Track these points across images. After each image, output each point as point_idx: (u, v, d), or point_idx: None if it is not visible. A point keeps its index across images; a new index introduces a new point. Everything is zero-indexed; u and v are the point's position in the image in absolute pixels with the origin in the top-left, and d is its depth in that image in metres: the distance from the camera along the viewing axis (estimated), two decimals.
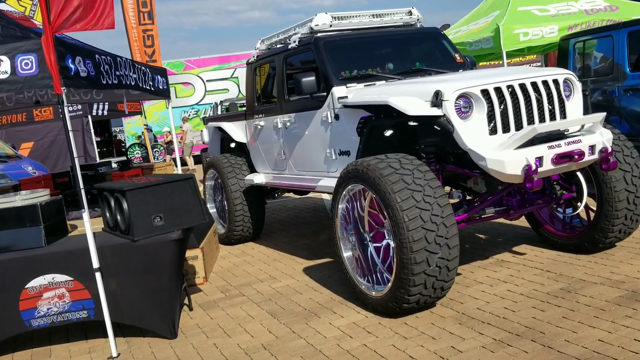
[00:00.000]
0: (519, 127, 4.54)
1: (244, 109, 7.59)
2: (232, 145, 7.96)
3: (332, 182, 5.36)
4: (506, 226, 6.70)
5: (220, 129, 7.90)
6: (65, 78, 4.01)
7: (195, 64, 22.34)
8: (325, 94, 5.56)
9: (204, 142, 8.64)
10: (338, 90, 5.41)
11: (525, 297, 4.48)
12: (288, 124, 6.27)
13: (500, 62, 9.90)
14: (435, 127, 4.63)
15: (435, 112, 4.41)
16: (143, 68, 6.26)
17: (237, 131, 7.56)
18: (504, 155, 4.25)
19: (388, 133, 5.23)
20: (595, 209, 5.17)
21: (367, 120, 5.13)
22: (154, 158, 21.74)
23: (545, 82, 4.69)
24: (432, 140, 5.02)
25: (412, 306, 4.24)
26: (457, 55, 6.22)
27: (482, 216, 5.01)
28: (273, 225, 8.54)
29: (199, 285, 5.89)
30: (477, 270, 5.27)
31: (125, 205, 4.46)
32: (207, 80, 22.33)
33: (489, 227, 6.75)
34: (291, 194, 8.90)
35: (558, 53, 8.81)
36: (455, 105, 4.40)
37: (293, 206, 10.11)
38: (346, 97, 5.29)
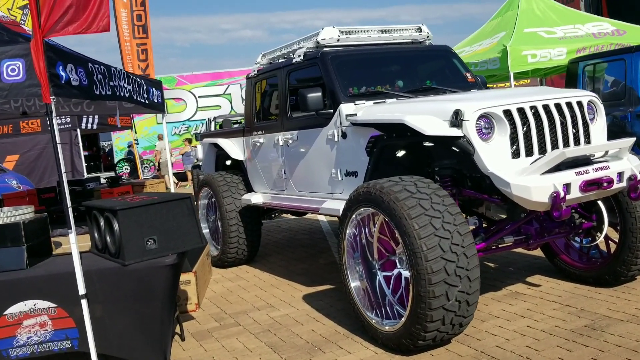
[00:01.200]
0: (542, 150, 4.25)
1: (238, 125, 7.26)
2: (228, 162, 7.62)
3: (337, 205, 5.03)
4: (516, 254, 6.38)
5: (216, 145, 7.56)
6: (55, 86, 3.66)
7: (187, 80, 22.03)
8: (332, 111, 5.25)
9: (196, 159, 8.32)
10: (346, 108, 5.10)
11: (548, 335, 4.14)
12: (290, 141, 5.93)
13: (507, 84, 9.64)
14: (452, 148, 4.32)
15: (455, 132, 4.10)
16: (138, 80, 5.91)
17: (234, 148, 7.22)
18: (529, 180, 3.94)
19: (400, 153, 4.91)
20: (616, 239, 4.88)
21: (378, 139, 4.81)
22: (143, 174, 21.30)
23: (569, 104, 4.41)
24: (447, 163, 4.70)
25: (428, 343, 3.88)
26: (468, 74, 5.95)
27: (500, 245, 4.67)
28: (268, 247, 8.17)
29: (191, 312, 5.50)
30: (491, 303, 4.93)
31: (116, 226, 4.09)
32: (199, 96, 21.99)
33: (498, 255, 6.41)
34: (287, 214, 8.55)
35: (567, 76, 8.58)
36: (476, 126, 4.10)
37: (288, 227, 9.75)
38: (355, 114, 4.98)
